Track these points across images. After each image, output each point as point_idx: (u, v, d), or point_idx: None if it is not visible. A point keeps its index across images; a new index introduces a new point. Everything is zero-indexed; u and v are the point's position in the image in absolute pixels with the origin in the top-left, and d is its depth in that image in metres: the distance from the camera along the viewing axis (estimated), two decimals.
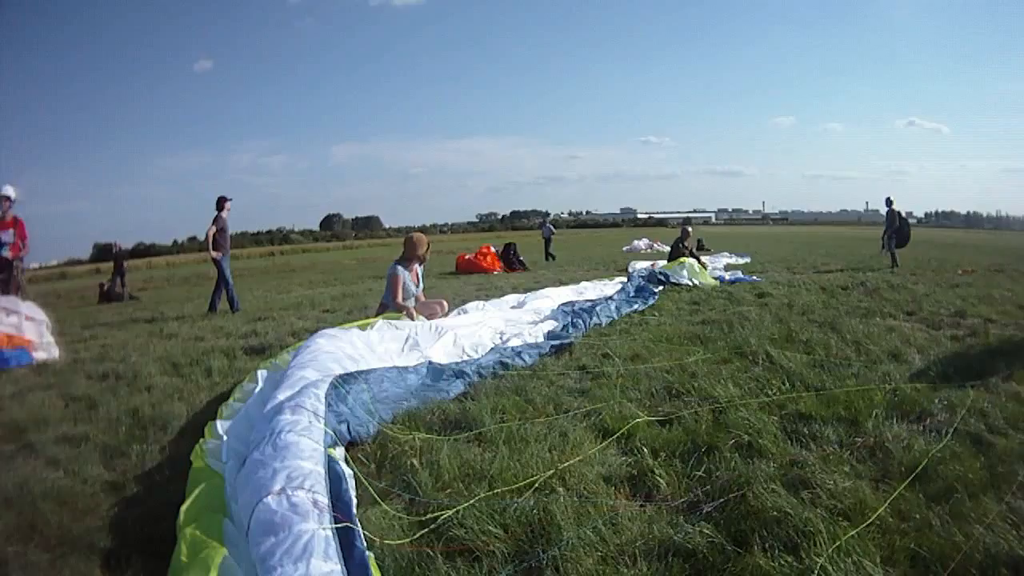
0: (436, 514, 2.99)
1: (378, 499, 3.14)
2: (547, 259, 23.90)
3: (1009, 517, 3.00)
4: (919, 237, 40.41)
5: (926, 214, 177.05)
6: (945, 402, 4.65)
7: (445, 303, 7.89)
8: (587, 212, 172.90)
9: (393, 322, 6.44)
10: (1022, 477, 3.43)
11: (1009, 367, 5.68)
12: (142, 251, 74.75)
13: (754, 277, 14.61)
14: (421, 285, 7.47)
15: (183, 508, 2.94)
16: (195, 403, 5.32)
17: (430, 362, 5.55)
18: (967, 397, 4.71)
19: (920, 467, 3.48)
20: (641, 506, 3.18)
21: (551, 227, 25.64)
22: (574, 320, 7.92)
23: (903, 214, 18.75)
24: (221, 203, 11.64)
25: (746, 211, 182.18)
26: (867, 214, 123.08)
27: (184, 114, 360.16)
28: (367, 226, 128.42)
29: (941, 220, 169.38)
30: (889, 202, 18.39)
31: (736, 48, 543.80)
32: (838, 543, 2.72)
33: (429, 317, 7.23)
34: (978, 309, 9.32)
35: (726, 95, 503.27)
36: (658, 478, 3.45)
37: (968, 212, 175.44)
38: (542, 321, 7.97)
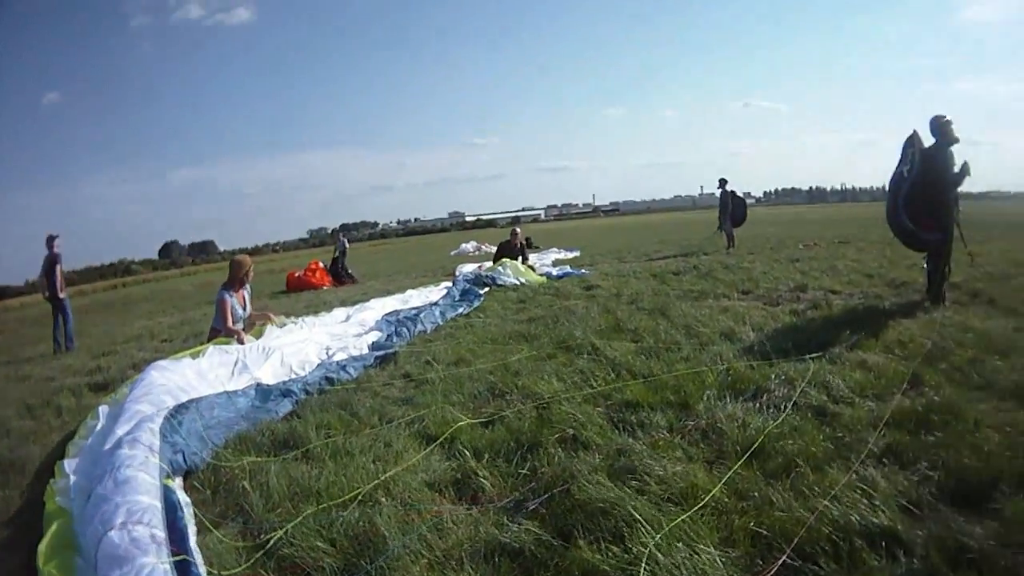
0: (268, 536, 2.98)
1: (211, 528, 3.10)
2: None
3: (858, 486, 3.07)
4: (759, 216, 41.75)
5: (765, 193, 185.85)
6: (783, 377, 4.78)
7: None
8: (416, 219, 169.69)
9: (223, 347, 6.39)
10: (871, 445, 3.53)
11: (855, 336, 5.89)
12: None
13: (582, 270, 14.73)
14: (248, 308, 7.45)
15: (40, 548, 2.89)
16: (48, 444, 5.13)
17: (258, 384, 5.62)
18: (807, 370, 4.84)
19: (755, 445, 3.54)
20: (467, 509, 3.21)
21: (345, 241, 23.43)
22: (398, 329, 8.05)
23: (739, 194, 19.24)
24: (52, 241, 11.23)
25: (576, 205, 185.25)
26: (702, 198, 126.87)
27: (30, 149, 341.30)
28: (203, 251, 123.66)
29: (782, 197, 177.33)
30: (722, 183, 18.78)
31: (559, 42, 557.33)
32: (667, 528, 2.75)
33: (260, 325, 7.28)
34: (820, 281, 9.73)
35: (552, 90, 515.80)
36: (482, 480, 3.50)
37: (811, 188, 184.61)
38: (366, 333, 8.02)
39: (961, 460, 3.28)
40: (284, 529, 3.01)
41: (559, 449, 3.79)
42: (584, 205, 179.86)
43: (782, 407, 4.16)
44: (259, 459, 3.99)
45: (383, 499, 3.32)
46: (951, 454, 3.35)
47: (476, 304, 10.22)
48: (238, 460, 3.95)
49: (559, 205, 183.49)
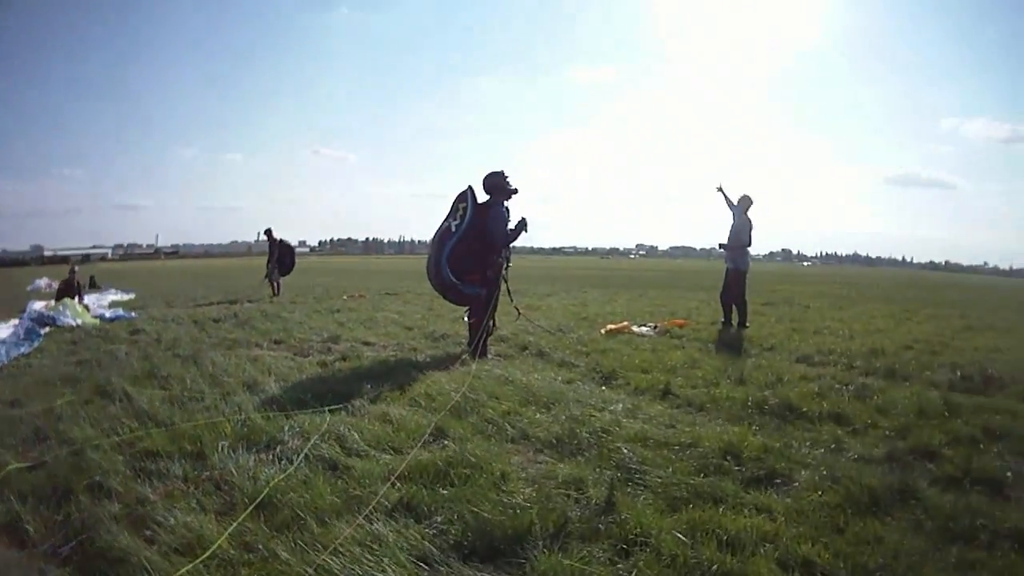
0: None
1: None
2: None
3: (364, 541, 3.28)
4: (314, 265, 42.66)
5: (320, 242, 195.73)
6: (298, 429, 5.08)
7: None
8: (4, 251, 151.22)
9: None
10: (380, 498, 3.76)
11: (378, 388, 6.36)
12: None
13: (132, 313, 14.72)
14: None
15: None
16: None
17: None
18: (324, 422, 5.14)
19: (261, 496, 3.75)
20: (17, 554, 3.31)
21: None
22: None
23: (288, 242, 20.15)
24: None
25: (140, 245, 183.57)
26: (257, 244, 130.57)
27: None
28: None
29: (337, 247, 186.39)
30: (268, 232, 19.51)
31: (137, 72, 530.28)
32: None
33: None
34: (356, 333, 10.52)
35: (130, 122, 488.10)
36: (26, 524, 3.57)
37: (368, 238, 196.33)
38: None
39: (482, 514, 3.53)
40: None
41: (86, 497, 3.87)
42: (147, 246, 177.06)
43: (293, 459, 4.40)
44: None
45: None
46: (468, 508, 3.61)
47: (36, 344, 10.21)
48: None
49: (125, 244, 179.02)
